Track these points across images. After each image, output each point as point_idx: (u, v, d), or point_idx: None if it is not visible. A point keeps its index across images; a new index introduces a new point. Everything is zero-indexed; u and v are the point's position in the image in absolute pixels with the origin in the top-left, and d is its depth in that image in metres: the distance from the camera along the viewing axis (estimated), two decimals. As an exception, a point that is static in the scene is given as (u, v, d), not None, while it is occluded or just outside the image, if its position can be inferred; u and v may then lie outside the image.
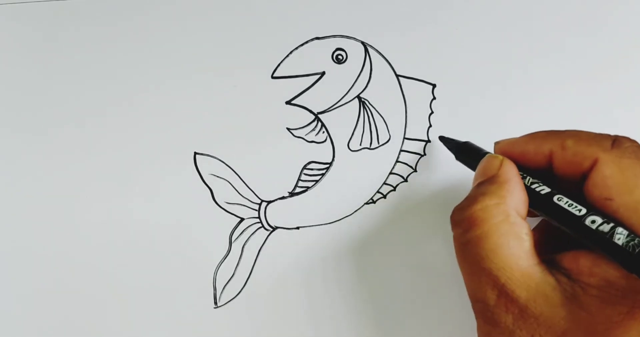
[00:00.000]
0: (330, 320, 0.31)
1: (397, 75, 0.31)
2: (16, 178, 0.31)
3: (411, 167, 0.31)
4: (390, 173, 0.31)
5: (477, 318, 0.24)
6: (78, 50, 0.32)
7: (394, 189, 0.31)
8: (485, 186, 0.24)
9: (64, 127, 0.31)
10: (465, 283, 0.24)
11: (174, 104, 0.31)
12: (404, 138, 0.31)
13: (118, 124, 0.31)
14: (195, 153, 0.31)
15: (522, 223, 0.23)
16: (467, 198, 0.24)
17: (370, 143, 0.31)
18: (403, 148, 0.31)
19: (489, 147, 0.27)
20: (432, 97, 0.31)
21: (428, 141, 0.31)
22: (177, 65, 0.32)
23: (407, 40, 0.31)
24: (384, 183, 0.31)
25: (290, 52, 0.31)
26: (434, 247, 0.31)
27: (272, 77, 0.31)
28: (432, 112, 0.31)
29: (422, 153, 0.31)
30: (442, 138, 0.30)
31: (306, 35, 0.31)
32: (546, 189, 0.23)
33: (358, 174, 0.31)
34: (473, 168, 0.27)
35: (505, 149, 0.26)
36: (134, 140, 0.31)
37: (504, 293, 0.22)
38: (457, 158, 0.29)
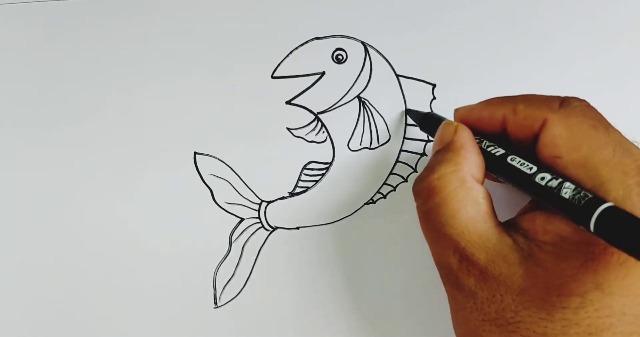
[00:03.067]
0: (330, 320, 0.31)
1: (397, 75, 0.31)
2: (16, 177, 0.31)
3: (411, 167, 0.31)
4: (390, 173, 0.31)
5: (444, 284, 0.24)
6: (78, 50, 0.32)
7: (394, 189, 0.31)
8: (441, 154, 0.25)
9: (64, 127, 0.31)
10: (431, 251, 0.25)
11: (174, 104, 0.31)
12: (404, 138, 0.31)
13: (118, 124, 0.31)
14: (195, 153, 0.31)
15: (478, 187, 0.23)
16: (425, 168, 0.25)
17: (370, 143, 0.31)
18: (403, 148, 0.31)
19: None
20: (432, 97, 0.31)
21: (428, 141, 0.31)
22: (177, 65, 0.32)
23: (407, 40, 0.31)
24: (384, 183, 0.31)
25: (290, 52, 0.31)
26: (434, 247, 0.31)
27: (272, 77, 0.31)
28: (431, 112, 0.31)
29: (422, 153, 0.31)
30: (408, 110, 0.31)
31: (306, 35, 0.31)
32: (501, 151, 0.24)
33: (358, 174, 0.31)
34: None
35: (464, 116, 0.26)
36: (134, 140, 0.31)
37: (464, 257, 0.22)
38: (422, 129, 0.30)
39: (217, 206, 0.31)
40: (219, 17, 0.32)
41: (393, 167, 0.31)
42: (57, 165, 0.31)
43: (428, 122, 0.29)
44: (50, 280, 0.31)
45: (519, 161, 0.23)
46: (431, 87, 0.31)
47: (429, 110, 0.30)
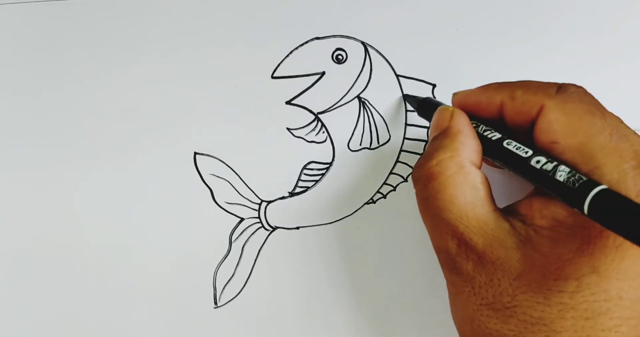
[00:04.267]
0: (330, 320, 0.31)
1: (397, 75, 0.31)
2: (15, 177, 0.31)
3: (411, 167, 0.31)
4: (390, 173, 0.31)
5: (442, 269, 0.24)
6: (78, 51, 0.32)
7: (394, 189, 0.31)
8: (439, 140, 0.25)
9: (63, 127, 0.31)
10: (430, 236, 0.25)
11: (174, 104, 0.31)
12: (404, 138, 0.31)
13: (118, 124, 0.31)
14: (195, 153, 0.31)
15: (476, 172, 0.24)
16: (423, 155, 0.25)
17: (370, 143, 0.31)
18: (403, 148, 0.31)
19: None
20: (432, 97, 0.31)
21: (428, 141, 0.31)
22: (177, 65, 0.32)
23: (407, 40, 0.31)
24: (384, 183, 0.31)
25: (290, 52, 0.31)
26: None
27: (272, 77, 0.31)
28: (432, 112, 0.31)
29: (422, 153, 0.31)
30: (405, 96, 0.31)
31: (306, 35, 0.31)
32: (497, 136, 0.24)
33: (358, 174, 0.31)
34: None
35: (461, 100, 0.26)
36: (134, 140, 0.31)
37: (463, 241, 0.23)
38: (419, 114, 0.30)
39: (217, 206, 0.31)
40: (219, 17, 0.32)
41: (393, 167, 0.31)
42: (57, 165, 0.31)
43: (426, 107, 0.29)
44: (49, 280, 0.31)
45: (515, 145, 0.23)
46: (431, 87, 0.31)
47: (428, 96, 0.30)
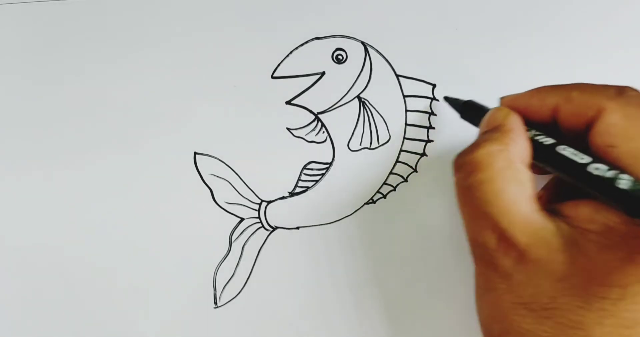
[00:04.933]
0: (330, 320, 0.31)
1: (397, 75, 0.31)
2: (17, 180, 0.31)
3: (411, 167, 0.31)
4: (390, 173, 0.31)
5: (475, 263, 0.24)
6: (78, 51, 0.32)
7: (394, 189, 0.31)
8: (489, 133, 0.24)
9: (64, 127, 0.31)
10: (466, 227, 0.24)
11: (174, 104, 0.31)
12: (404, 138, 0.31)
13: (118, 124, 0.31)
14: (195, 153, 0.31)
15: (525, 170, 0.23)
16: (471, 144, 0.24)
17: (370, 143, 0.31)
18: (403, 148, 0.31)
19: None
20: (432, 97, 0.31)
21: (428, 141, 0.31)
22: (177, 65, 0.31)
23: (407, 40, 0.31)
24: (384, 183, 0.31)
25: (290, 52, 0.31)
26: (434, 247, 0.31)
27: (272, 77, 0.31)
28: (432, 113, 0.31)
29: (422, 153, 0.31)
30: (446, 98, 0.30)
31: (306, 35, 0.31)
32: (550, 140, 0.24)
33: (358, 174, 0.31)
34: (477, 125, 0.27)
35: (511, 103, 0.26)
36: (134, 141, 0.31)
37: (504, 237, 0.22)
38: (462, 116, 0.29)
39: (217, 206, 0.31)
40: (219, 17, 0.32)
41: (393, 167, 0.31)
42: (57, 165, 0.31)
43: (471, 110, 0.28)
44: (49, 280, 0.31)
45: (571, 151, 0.23)
46: (431, 87, 0.31)
47: (470, 99, 0.29)
